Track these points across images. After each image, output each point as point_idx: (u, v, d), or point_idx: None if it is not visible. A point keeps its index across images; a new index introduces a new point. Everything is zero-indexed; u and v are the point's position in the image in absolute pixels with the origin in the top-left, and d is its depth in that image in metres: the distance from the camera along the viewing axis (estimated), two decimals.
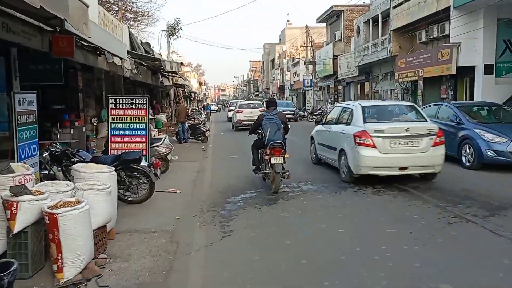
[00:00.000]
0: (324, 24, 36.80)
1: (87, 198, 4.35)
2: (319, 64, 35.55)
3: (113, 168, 5.30)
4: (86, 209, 4.05)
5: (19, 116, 5.24)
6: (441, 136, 8.08)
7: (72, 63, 9.32)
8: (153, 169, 6.85)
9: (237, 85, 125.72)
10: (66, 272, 3.91)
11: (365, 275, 3.99)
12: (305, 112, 34.17)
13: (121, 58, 8.69)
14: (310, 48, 39.03)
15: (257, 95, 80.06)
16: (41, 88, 10.49)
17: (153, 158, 8.18)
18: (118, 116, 8.21)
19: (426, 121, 8.39)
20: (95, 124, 11.52)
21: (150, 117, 17.06)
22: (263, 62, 78.58)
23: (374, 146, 7.70)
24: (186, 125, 17.45)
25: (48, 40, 7.24)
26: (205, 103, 59.74)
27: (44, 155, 6.22)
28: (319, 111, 29.36)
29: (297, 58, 46.60)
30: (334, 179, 8.55)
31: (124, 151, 7.96)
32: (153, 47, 19.29)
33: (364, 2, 30.39)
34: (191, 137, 17.21)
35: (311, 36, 39.04)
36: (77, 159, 6.26)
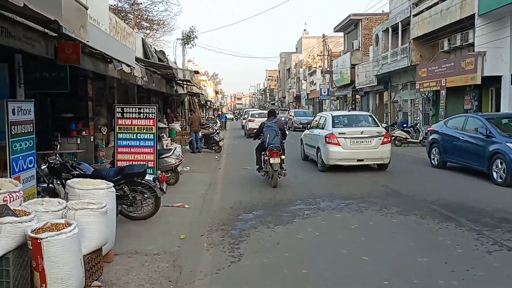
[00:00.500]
0: (341, 33, 36.28)
1: (79, 219, 3.88)
2: (336, 73, 34.97)
3: (112, 184, 4.81)
4: (75, 233, 3.56)
5: (12, 126, 4.82)
6: (387, 137, 10.99)
7: (84, 71, 9.01)
8: (158, 183, 6.35)
9: (253, 94, 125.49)
10: None
11: None
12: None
13: (128, 65, 8.27)
14: (327, 57, 38.47)
15: (273, 104, 79.64)
16: (51, 96, 10.26)
17: (159, 171, 7.70)
18: (125, 126, 7.78)
19: (378, 126, 11.34)
20: (104, 133, 11.17)
21: (164, 125, 16.93)
22: (279, 71, 78.22)
23: (338, 144, 10.47)
24: (200, 134, 17.04)
25: (53, 46, 6.90)
26: (220, 112, 59.32)
27: (42, 167, 5.80)
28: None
29: (314, 67, 46.04)
30: (354, 195, 7.93)
31: (130, 163, 7.57)
32: (168, 55, 19.06)
33: (383, 11, 29.75)
34: (204, 147, 16.78)
35: (328, 45, 38.51)
36: (77, 172, 5.83)
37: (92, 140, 10.08)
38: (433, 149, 11.62)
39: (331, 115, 11.68)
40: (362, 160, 10.51)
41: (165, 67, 13.48)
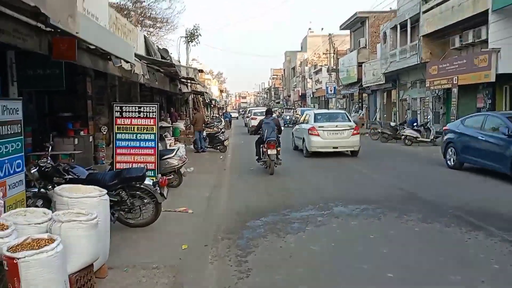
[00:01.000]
0: (348, 31, 35.68)
1: (65, 233, 3.40)
2: (343, 71, 34.38)
3: (105, 191, 4.31)
4: (58, 251, 3.07)
5: None
6: (357, 129, 13.86)
7: (83, 68, 8.54)
8: (159, 188, 5.85)
9: (258, 93, 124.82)
10: None
11: None
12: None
13: (127, 62, 7.78)
14: (333, 55, 37.88)
15: (278, 102, 79.02)
16: (49, 95, 9.80)
17: (160, 175, 7.21)
18: (124, 126, 7.31)
19: (350, 121, 14.31)
20: (104, 133, 10.70)
21: (168, 124, 16.45)
22: (284, 69, 77.59)
23: (318, 135, 13.42)
24: (204, 133, 16.56)
25: (47, 42, 6.43)
26: (224, 111, 58.76)
27: (32, 171, 5.32)
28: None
29: (320, 66, 45.46)
30: (369, 200, 7.40)
31: (130, 165, 7.10)
32: (171, 53, 18.55)
33: (390, 8, 29.12)
34: (208, 146, 16.29)
35: (333, 43, 37.91)
36: (70, 176, 5.35)
37: (91, 140, 9.62)
38: (449, 149, 11.05)
39: (314, 113, 15.03)
40: (336, 148, 13.50)
41: (168, 64, 12.98)
